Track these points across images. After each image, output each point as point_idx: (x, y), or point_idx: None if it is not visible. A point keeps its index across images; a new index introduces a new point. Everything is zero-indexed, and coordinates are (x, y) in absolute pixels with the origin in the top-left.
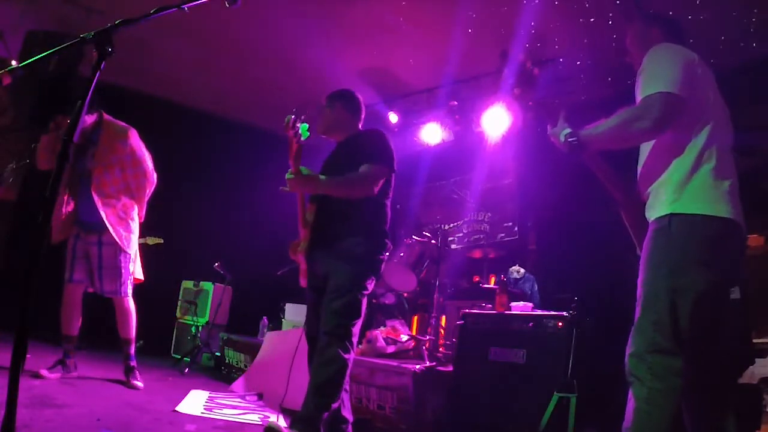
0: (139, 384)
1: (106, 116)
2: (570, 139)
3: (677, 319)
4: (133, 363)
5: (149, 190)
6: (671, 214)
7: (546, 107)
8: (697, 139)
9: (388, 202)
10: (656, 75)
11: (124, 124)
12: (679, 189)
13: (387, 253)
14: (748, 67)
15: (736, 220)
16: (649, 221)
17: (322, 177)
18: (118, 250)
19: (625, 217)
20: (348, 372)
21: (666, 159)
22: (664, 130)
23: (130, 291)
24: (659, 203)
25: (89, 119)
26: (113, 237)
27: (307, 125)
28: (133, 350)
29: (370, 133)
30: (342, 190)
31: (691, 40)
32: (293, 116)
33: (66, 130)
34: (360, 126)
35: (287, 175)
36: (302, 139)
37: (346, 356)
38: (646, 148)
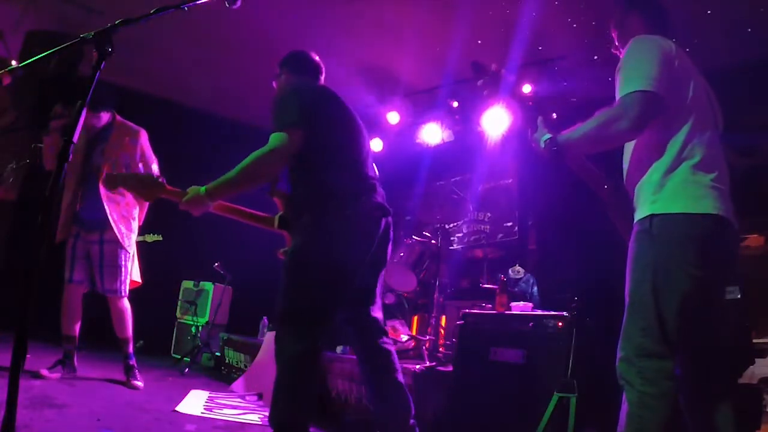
0: (139, 384)
1: (118, 117)
2: (549, 145)
3: (664, 322)
4: (133, 362)
5: None
6: (651, 214)
7: (540, 109)
8: (678, 135)
9: (330, 157)
10: (633, 73)
11: (135, 126)
12: (658, 188)
13: (345, 214)
14: (748, 67)
15: (722, 215)
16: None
17: (203, 190)
18: (119, 248)
19: (613, 217)
20: (308, 366)
21: (647, 158)
22: (643, 129)
23: (127, 291)
24: (641, 204)
25: (104, 117)
26: (115, 234)
27: None
28: (131, 349)
29: (277, 95)
30: (239, 186)
31: (695, 40)
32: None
33: (66, 131)
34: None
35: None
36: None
37: (295, 349)
38: (629, 147)
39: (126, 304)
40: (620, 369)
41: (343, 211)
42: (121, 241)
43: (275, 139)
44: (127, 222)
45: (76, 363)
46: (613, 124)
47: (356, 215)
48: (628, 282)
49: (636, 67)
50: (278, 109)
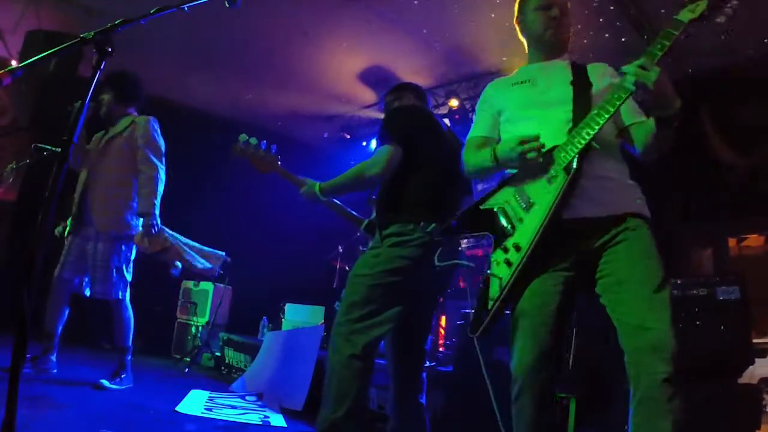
0: (107, 385)
1: (136, 113)
2: None
3: None
4: (124, 367)
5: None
6: (648, 217)
7: None
8: None
9: (408, 175)
10: None
11: (146, 117)
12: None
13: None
14: (746, 66)
15: None
16: (614, 210)
17: (317, 187)
18: (114, 244)
19: None
20: (353, 374)
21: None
22: None
23: (125, 295)
24: (632, 199)
25: (128, 111)
26: (110, 232)
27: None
28: (127, 359)
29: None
30: (345, 189)
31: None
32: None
33: (66, 131)
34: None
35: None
36: (273, 153)
37: (340, 355)
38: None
39: (124, 311)
40: (670, 375)
41: (393, 233)
42: (119, 233)
43: (380, 151)
44: (128, 212)
45: (53, 361)
46: None
47: (407, 241)
48: (649, 267)
49: None
50: (385, 124)
